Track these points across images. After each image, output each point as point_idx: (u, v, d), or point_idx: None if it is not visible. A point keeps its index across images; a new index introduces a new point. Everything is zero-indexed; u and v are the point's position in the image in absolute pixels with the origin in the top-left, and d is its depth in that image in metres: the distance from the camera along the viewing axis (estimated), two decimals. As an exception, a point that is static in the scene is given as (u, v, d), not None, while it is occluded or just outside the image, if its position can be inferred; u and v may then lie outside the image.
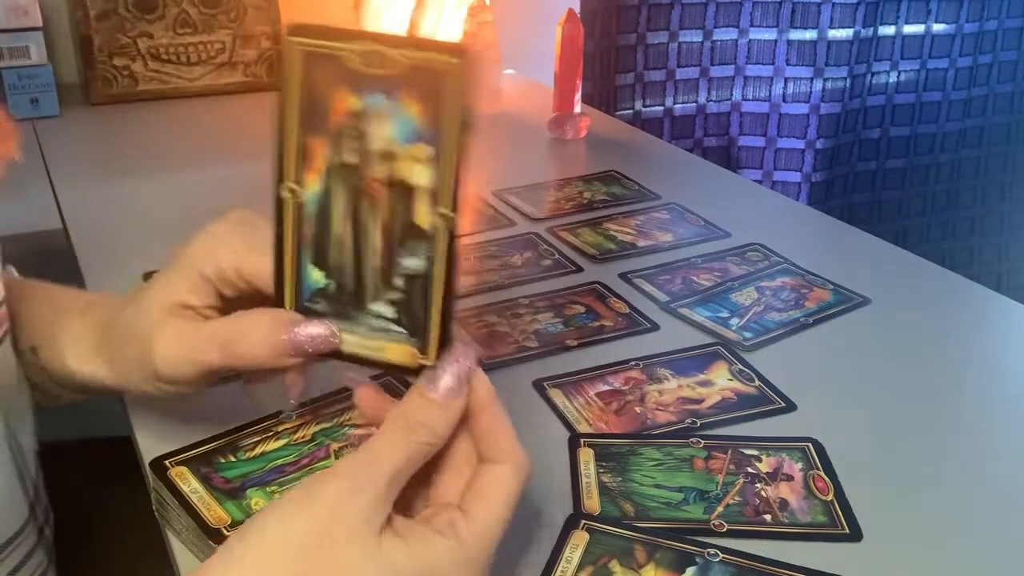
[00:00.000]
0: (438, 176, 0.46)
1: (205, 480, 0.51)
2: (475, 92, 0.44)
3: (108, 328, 0.54)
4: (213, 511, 0.49)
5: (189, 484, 0.51)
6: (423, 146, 0.46)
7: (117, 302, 0.55)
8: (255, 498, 0.50)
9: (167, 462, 0.52)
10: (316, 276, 0.49)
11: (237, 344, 0.49)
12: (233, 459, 0.53)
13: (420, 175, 0.46)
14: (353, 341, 0.49)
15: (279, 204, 0.48)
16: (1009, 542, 0.50)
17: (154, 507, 0.52)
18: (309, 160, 0.47)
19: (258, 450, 0.54)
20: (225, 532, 0.47)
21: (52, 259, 0.81)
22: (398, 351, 0.49)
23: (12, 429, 0.58)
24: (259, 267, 0.50)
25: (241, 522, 0.48)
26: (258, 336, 0.49)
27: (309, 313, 0.50)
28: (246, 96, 1.30)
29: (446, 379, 0.44)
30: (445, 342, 0.48)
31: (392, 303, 0.48)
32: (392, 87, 0.45)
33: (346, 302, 0.49)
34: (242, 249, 0.51)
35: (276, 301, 0.50)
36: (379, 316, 0.49)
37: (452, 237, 0.47)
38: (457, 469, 0.45)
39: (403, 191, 0.47)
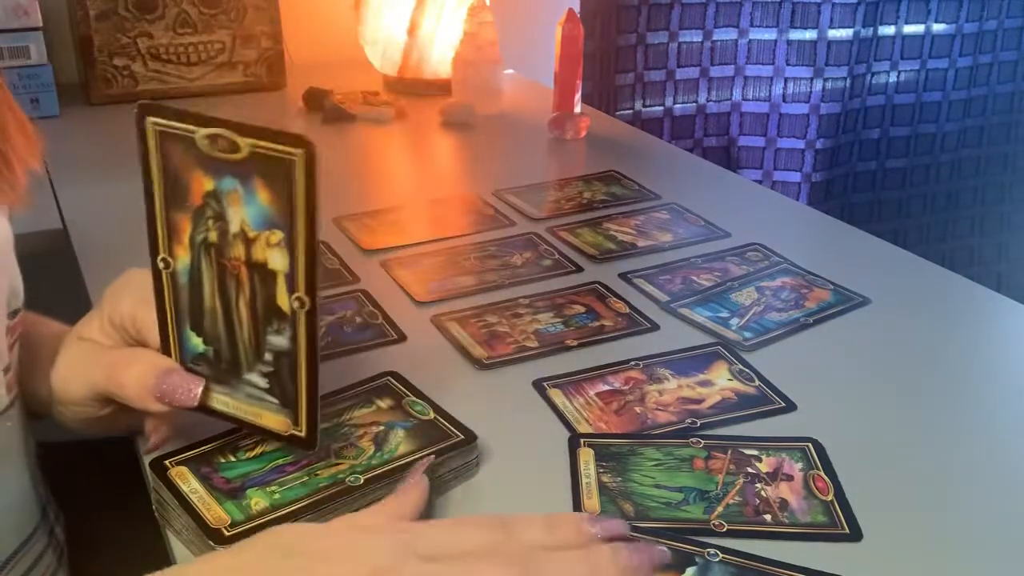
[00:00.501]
0: (291, 262, 0.47)
1: (205, 480, 0.51)
2: (316, 183, 0.45)
3: (54, 352, 0.57)
4: (213, 511, 0.49)
5: (189, 484, 0.51)
6: (276, 232, 0.47)
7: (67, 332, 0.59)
8: (255, 498, 0.50)
9: (167, 462, 0.52)
10: (196, 341, 0.51)
11: (118, 372, 0.52)
12: (233, 459, 0.53)
13: (275, 259, 0.48)
14: (232, 404, 0.52)
15: (156, 274, 0.50)
16: (1009, 541, 0.50)
17: (154, 507, 0.52)
18: (178, 235, 0.49)
19: (258, 450, 0.54)
20: (225, 532, 0.47)
21: (52, 259, 0.82)
22: (272, 419, 0.51)
23: (29, 431, 0.59)
24: (149, 320, 0.53)
25: (241, 522, 0.48)
26: (135, 372, 0.51)
27: (192, 374, 0.52)
28: (246, 96, 1.30)
29: None
30: (314, 414, 0.50)
31: (264, 375, 0.51)
32: (242, 172, 0.47)
33: (224, 369, 0.51)
34: (139, 301, 0.53)
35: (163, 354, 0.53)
36: (254, 385, 0.51)
37: (310, 319, 0.48)
38: None
39: (262, 273, 0.48)
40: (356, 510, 0.50)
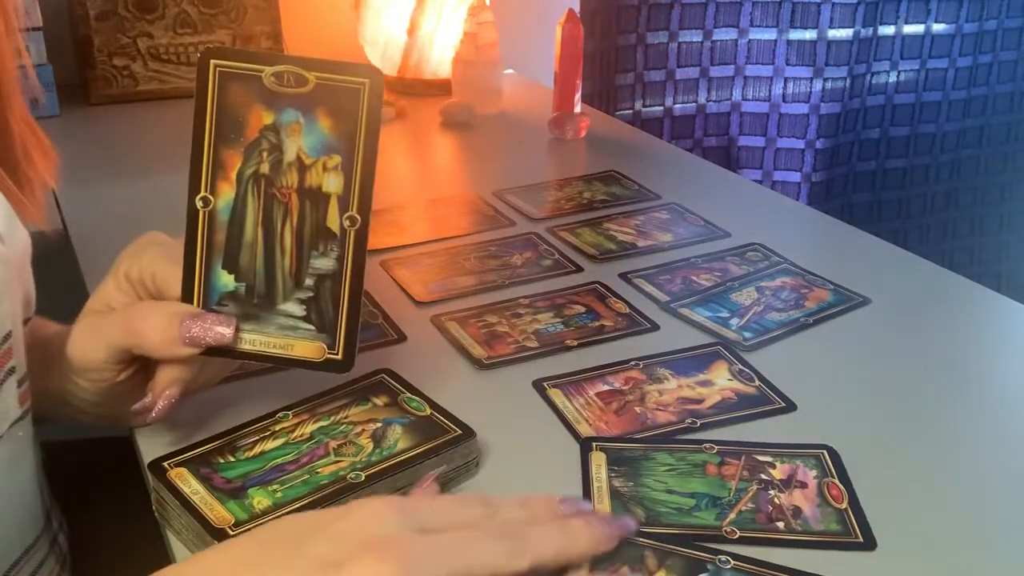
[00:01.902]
0: (347, 183, 0.51)
1: (205, 480, 0.51)
2: (380, 108, 0.51)
3: (55, 355, 0.57)
4: (216, 511, 0.49)
5: (189, 485, 0.51)
6: (334, 156, 0.51)
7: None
8: (257, 497, 0.50)
9: (165, 463, 0.52)
10: (226, 280, 0.53)
11: (137, 323, 0.52)
12: (232, 459, 0.53)
13: (330, 182, 0.52)
14: (260, 340, 0.53)
15: (192, 213, 0.52)
16: (1018, 545, 0.50)
17: (154, 507, 0.52)
18: (224, 171, 0.52)
19: (257, 449, 0.54)
20: (230, 532, 0.47)
21: (52, 259, 0.81)
22: (306, 347, 0.53)
23: (37, 440, 0.59)
24: (169, 275, 0.53)
25: (245, 522, 0.48)
26: (157, 319, 0.52)
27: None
28: (246, 96, 1.30)
29: None
30: (353, 335, 0.53)
31: (302, 302, 0.53)
32: (305, 104, 0.51)
33: (256, 304, 0.53)
34: (161, 257, 0.54)
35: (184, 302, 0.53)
36: (288, 315, 0.53)
37: (360, 238, 0.52)
38: None
39: (314, 197, 0.52)
40: None
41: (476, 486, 0.54)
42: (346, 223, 0.52)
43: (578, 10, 1.51)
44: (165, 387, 0.53)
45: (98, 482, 0.73)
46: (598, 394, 0.62)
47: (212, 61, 0.51)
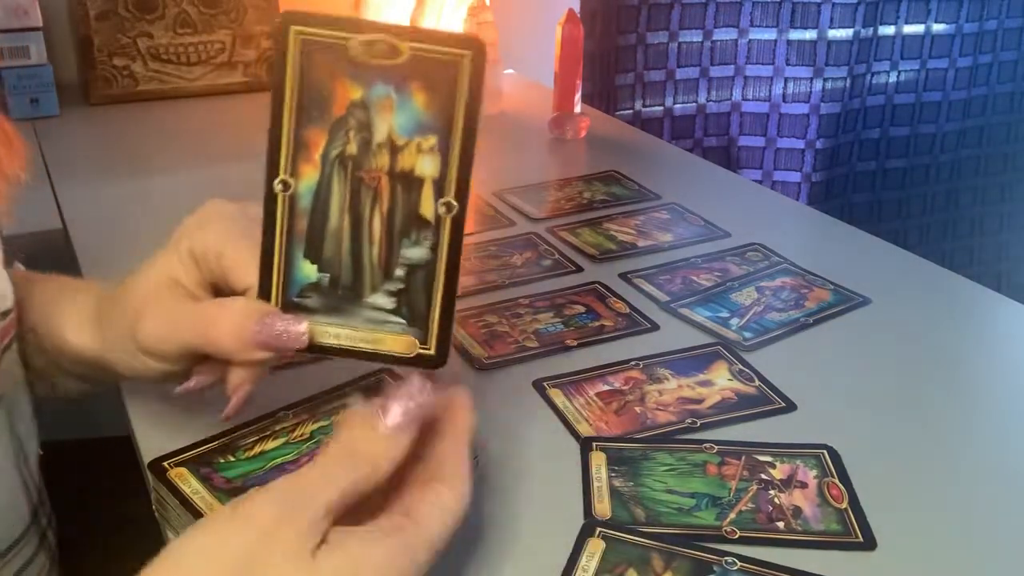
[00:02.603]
0: (443, 166, 0.46)
1: (206, 480, 0.51)
2: (482, 84, 0.45)
3: (103, 301, 0.54)
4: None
5: (190, 485, 0.51)
6: (429, 137, 0.46)
7: (114, 281, 0.54)
8: (256, 498, 0.49)
9: (165, 463, 0.52)
10: (308, 270, 0.48)
11: (208, 329, 0.48)
12: (232, 459, 0.53)
13: (425, 165, 0.46)
14: (346, 334, 0.49)
15: (270, 198, 0.47)
16: (1020, 544, 0.50)
17: (154, 507, 0.52)
18: (306, 151, 0.47)
19: (257, 449, 0.54)
20: (225, 532, 0.47)
21: (52, 259, 0.81)
22: (396, 341, 0.49)
23: (19, 434, 0.58)
24: (237, 258, 0.49)
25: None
26: (228, 325, 0.48)
27: (298, 308, 0.49)
28: (246, 96, 1.30)
29: (395, 414, 0.42)
30: (447, 329, 0.48)
31: (391, 294, 0.48)
32: (398, 78, 0.45)
33: (341, 296, 0.49)
34: (227, 235, 0.50)
35: (261, 295, 0.49)
36: (377, 308, 0.48)
37: (456, 226, 0.47)
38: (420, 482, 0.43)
39: (406, 181, 0.46)
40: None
41: (476, 486, 0.54)
42: (441, 209, 0.47)
43: (578, 10, 1.51)
44: (239, 385, 0.50)
45: (97, 481, 0.73)
46: (598, 394, 0.62)
47: (293, 27, 0.45)
